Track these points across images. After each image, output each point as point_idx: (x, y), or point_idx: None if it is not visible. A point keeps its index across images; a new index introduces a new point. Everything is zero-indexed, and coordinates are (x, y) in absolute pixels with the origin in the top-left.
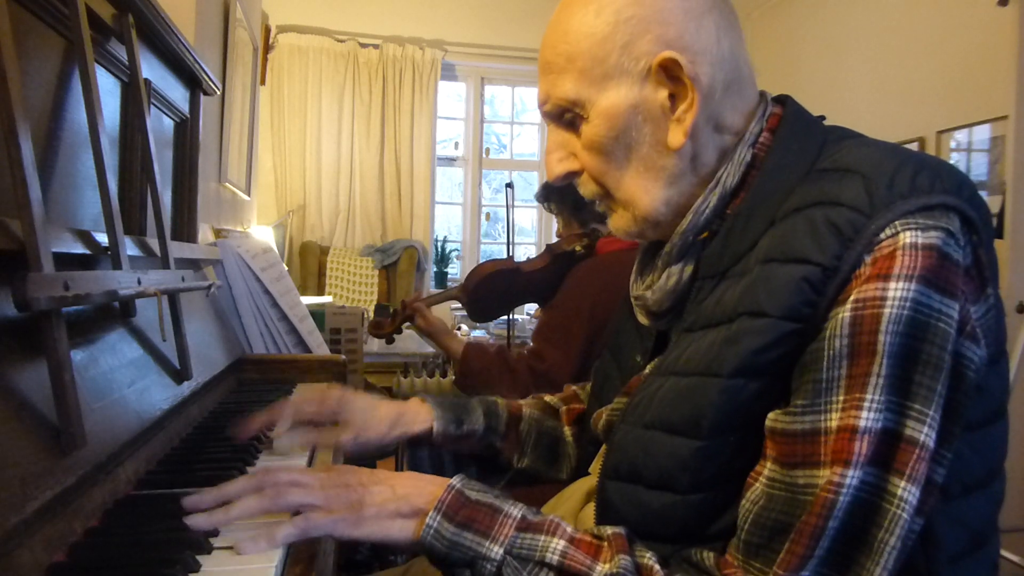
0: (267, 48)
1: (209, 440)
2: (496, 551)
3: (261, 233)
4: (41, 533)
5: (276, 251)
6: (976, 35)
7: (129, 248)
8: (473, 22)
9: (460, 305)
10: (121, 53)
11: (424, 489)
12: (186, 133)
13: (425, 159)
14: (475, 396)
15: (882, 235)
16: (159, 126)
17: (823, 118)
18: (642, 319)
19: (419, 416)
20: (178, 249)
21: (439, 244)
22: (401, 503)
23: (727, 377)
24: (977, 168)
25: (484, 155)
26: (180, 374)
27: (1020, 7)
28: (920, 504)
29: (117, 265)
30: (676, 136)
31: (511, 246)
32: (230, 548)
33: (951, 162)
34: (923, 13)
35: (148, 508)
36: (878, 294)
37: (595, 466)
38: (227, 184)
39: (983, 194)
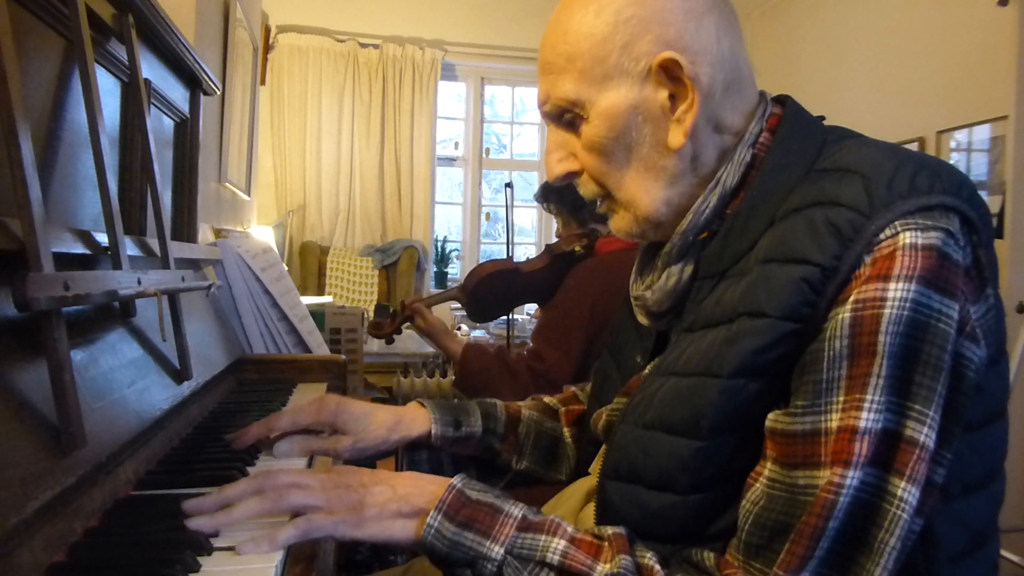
0: (267, 48)
1: (209, 440)
2: (497, 551)
3: (261, 233)
4: (41, 533)
5: (276, 251)
6: (976, 35)
7: (129, 248)
8: (473, 22)
9: (460, 305)
10: (121, 53)
11: (425, 489)
12: (186, 133)
13: (425, 159)
14: (474, 398)
15: (882, 235)
16: (159, 126)
17: (823, 118)
18: (642, 319)
19: (417, 420)
20: (178, 249)
21: (439, 244)
22: (402, 503)
23: (727, 377)
24: (977, 168)
25: (484, 155)
26: (180, 374)
27: (1020, 7)
28: (920, 504)
29: (117, 265)
30: (676, 136)
31: (511, 246)
32: (230, 549)
33: (951, 162)
34: (923, 13)
35: (148, 508)
36: (878, 295)
37: (595, 466)
38: (227, 184)
39: (983, 194)
